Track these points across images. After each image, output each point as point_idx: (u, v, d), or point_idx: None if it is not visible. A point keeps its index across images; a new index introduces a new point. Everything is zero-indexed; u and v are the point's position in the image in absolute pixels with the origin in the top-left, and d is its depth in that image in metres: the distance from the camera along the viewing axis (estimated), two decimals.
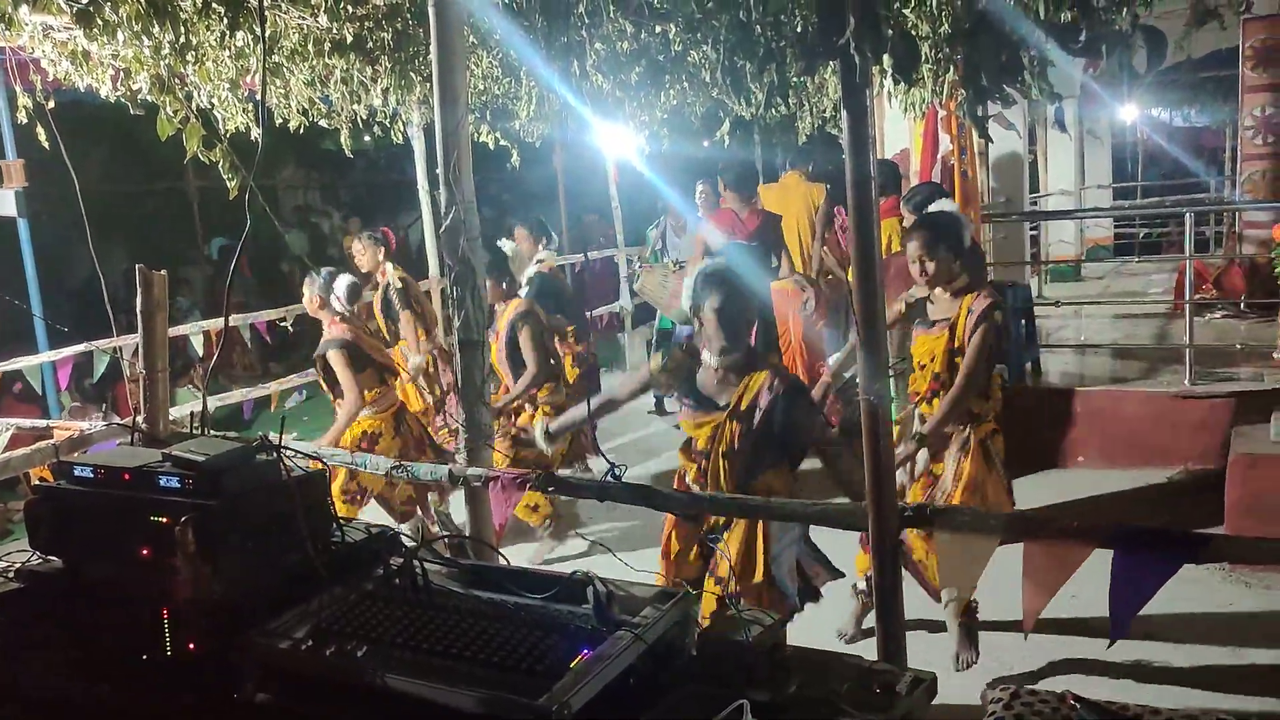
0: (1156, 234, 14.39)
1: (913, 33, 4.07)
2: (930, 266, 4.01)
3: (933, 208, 4.71)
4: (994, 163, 9.30)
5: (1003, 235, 9.14)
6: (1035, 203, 11.68)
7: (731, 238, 6.62)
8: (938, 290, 4.09)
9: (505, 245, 6.21)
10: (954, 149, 6.70)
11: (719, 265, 3.56)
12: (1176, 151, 15.78)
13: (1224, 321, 8.12)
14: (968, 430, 4.04)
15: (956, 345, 3.98)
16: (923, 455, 4.11)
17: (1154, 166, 17.00)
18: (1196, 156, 16.61)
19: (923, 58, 4.20)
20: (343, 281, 5.49)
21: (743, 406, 3.34)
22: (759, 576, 3.35)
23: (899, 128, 7.47)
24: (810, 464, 3.56)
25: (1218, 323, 8.09)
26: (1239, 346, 7.12)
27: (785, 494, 3.37)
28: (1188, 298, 6.69)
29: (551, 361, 5.73)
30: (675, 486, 3.56)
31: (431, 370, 6.91)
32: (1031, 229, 10.97)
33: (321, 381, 5.53)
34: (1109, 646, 3.78)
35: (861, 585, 4.29)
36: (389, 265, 6.91)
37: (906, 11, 4.05)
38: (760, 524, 3.35)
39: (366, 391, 5.37)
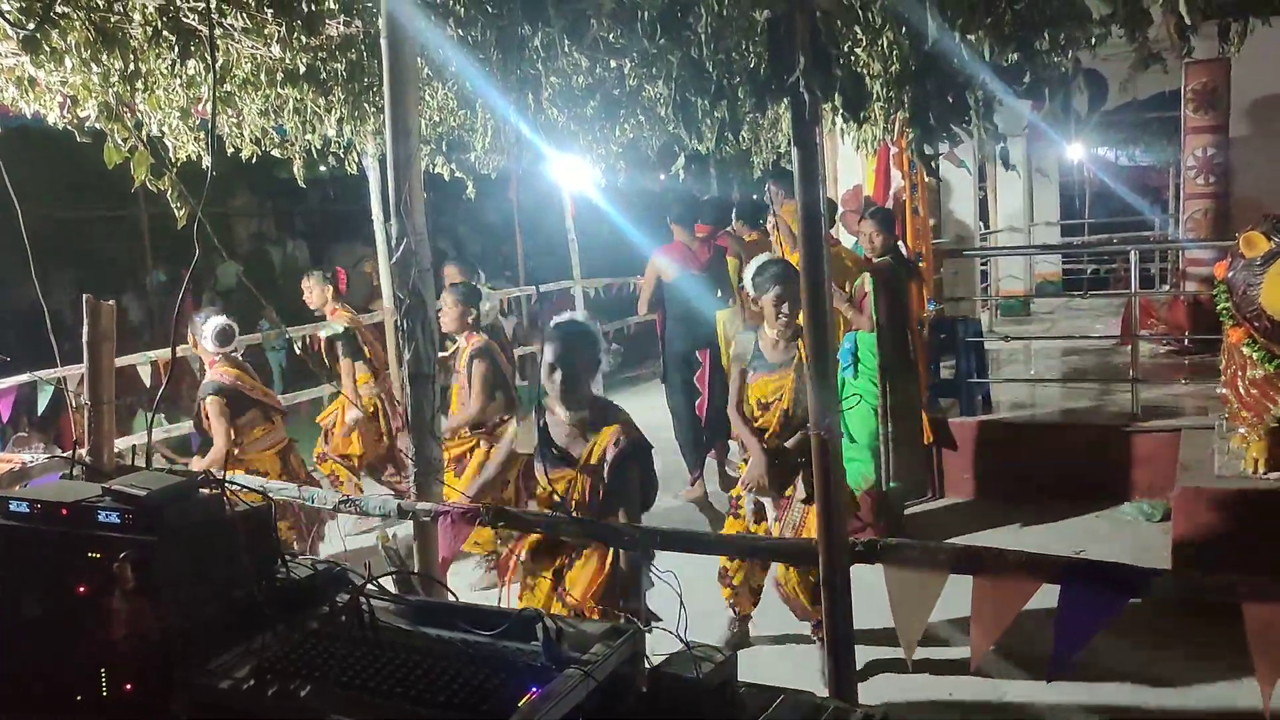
0: (1104, 270, 14.66)
1: (863, 72, 4.13)
2: (790, 309, 4.29)
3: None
4: (946, 198, 9.45)
5: (954, 271, 9.27)
6: (985, 239, 11.87)
7: (685, 269, 6.69)
8: (775, 333, 4.37)
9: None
10: (905, 185, 6.79)
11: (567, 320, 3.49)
12: (1122, 190, 16.10)
13: (1169, 356, 8.28)
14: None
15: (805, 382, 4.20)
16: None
17: (1101, 204, 17.35)
18: (1142, 195, 16.97)
19: (873, 96, 4.25)
20: (212, 324, 5.37)
21: (592, 461, 3.32)
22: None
23: (852, 164, 7.57)
24: None
25: (1163, 358, 8.25)
26: (1184, 381, 7.26)
27: None
28: (1134, 333, 6.82)
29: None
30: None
31: (379, 415, 6.79)
32: (982, 264, 11.14)
33: (196, 423, 5.41)
34: (1049, 681, 3.84)
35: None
36: (338, 307, 6.81)
37: (858, 51, 4.11)
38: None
39: (256, 428, 5.33)
